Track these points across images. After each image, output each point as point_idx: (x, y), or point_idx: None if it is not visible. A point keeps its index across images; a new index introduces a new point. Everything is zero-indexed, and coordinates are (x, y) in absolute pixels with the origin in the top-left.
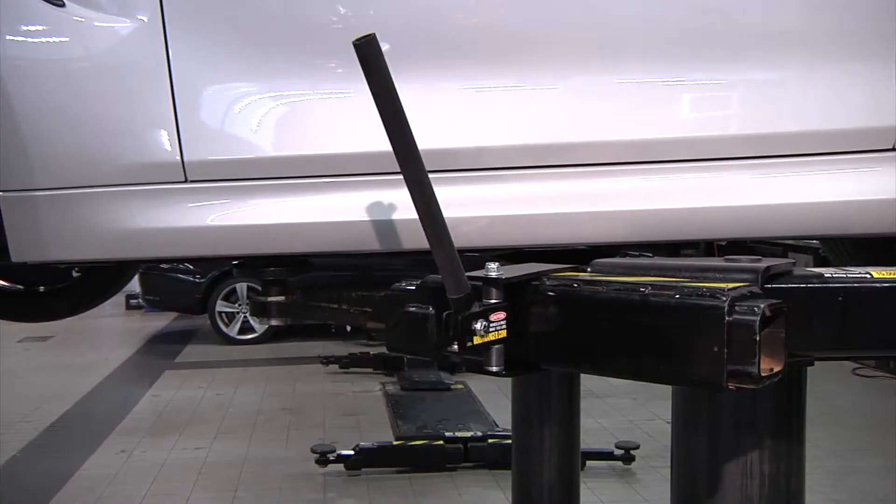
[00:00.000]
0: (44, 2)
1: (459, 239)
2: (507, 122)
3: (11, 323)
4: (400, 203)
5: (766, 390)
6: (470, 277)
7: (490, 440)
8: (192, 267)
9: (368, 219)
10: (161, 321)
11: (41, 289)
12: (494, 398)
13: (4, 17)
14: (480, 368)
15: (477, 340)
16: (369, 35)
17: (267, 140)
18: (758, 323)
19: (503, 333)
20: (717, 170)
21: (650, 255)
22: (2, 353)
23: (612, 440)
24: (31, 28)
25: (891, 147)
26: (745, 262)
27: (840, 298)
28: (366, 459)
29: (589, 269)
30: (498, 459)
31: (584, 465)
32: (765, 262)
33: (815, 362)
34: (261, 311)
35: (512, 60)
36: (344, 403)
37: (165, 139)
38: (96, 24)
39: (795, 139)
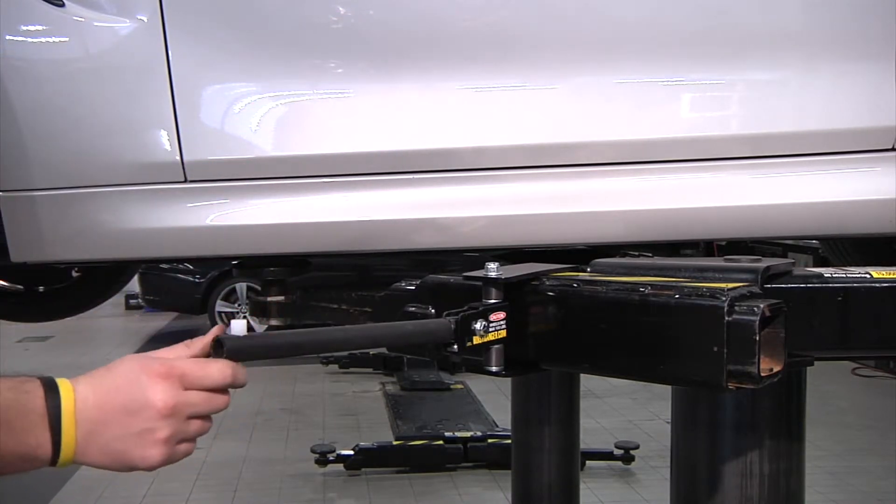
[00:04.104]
0: (44, 2)
1: (459, 239)
2: (507, 122)
3: (11, 323)
4: (400, 203)
5: (766, 390)
6: (470, 277)
7: (490, 440)
8: (191, 267)
9: (368, 219)
10: (161, 321)
11: (41, 289)
12: (494, 398)
13: (4, 17)
14: (480, 368)
15: (476, 340)
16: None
17: (266, 140)
18: (757, 323)
19: (503, 333)
20: (717, 170)
21: (650, 255)
22: (2, 353)
23: (611, 440)
24: (31, 28)
25: (891, 147)
26: (744, 262)
27: (840, 298)
28: (365, 459)
29: (589, 269)
30: (498, 459)
31: (583, 465)
32: (764, 262)
33: (815, 362)
34: (261, 311)
35: (512, 60)
36: (344, 403)
37: (165, 139)
38: (96, 24)
39: (795, 139)
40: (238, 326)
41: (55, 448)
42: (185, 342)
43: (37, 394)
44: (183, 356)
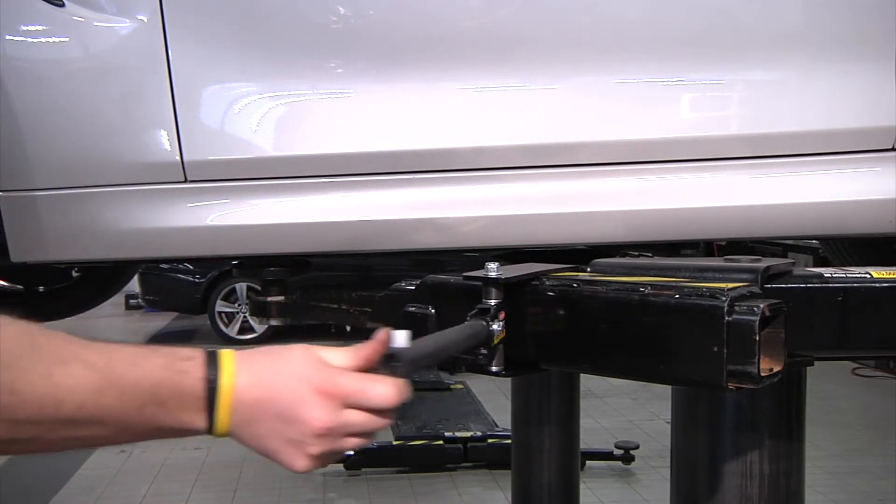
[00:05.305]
0: (44, 2)
1: (459, 239)
2: (507, 122)
3: None
4: (400, 203)
5: (766, 390)
6: (470, 277)
7: (490, 440)
8: (191, 267)
9: (368, 219)
10: (161, 321)
11: (41, 289)
12: (494, 398)
13: (4, 17)
14: (480, 368)
15: (495, 340)
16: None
17: (266, 140)
18: (757, 323)
19: (503, 334)
20: (717, 170)
21: (650, 255)
22: None
23: (611, 440)
24: (31, 28)
25: (891, 147)
26: (744, 262)
27: (840, 298)
28: (366, 459)
29: (589, 269)
30: (498, 459)
31: (583, 465)
32: (765, 262)
33: (815, 362)
34: (260, 311)
35: (512, 60)
36: None
37: (165, 139)
38: (96, 24)
39: (795, 139)
40: (402, 337)
41: (209, 427)
42: (356, 347)
43: (195, 375)
44: (350, 365)
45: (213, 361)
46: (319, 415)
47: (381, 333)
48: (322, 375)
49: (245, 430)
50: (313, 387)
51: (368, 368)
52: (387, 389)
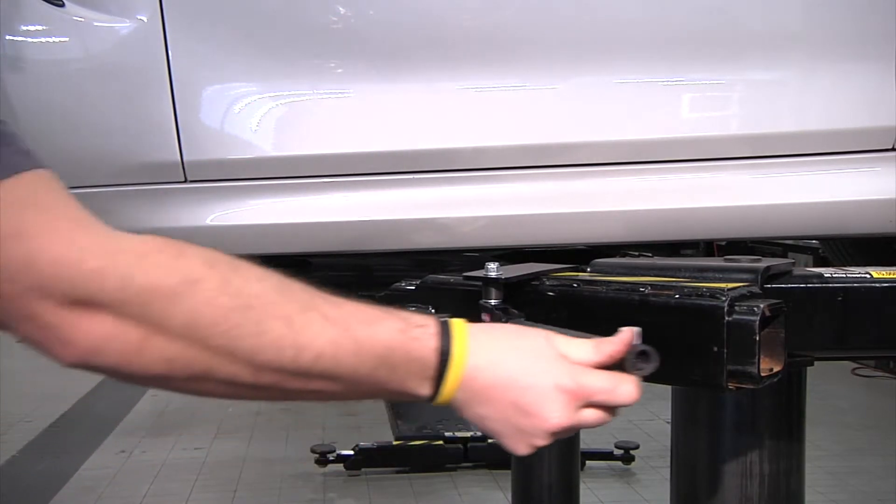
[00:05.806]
0: (44, 2)
1: (459, 239)
2: (507, 122)
3: None
4: (400, 203)
5: (766, 390)
6: (470, 277)
7: (490, 440)
8: None
9: (368, 219)
10: None
11: None
12: None
13: (4, 17)
14: None
15: None
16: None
17: (267, 140)
18: (757, 323)
19: None
20: (717, 170)
21: (650, 255)
22: (2, 353)
23: (611, 440)
24: (31, 28)
25: (891, 147)
26: (744, 262)
27: (840, 298)
28: (366, 459)
29: (589, 269)
30: (498, 459)
31: (583, 465)
32: (764, 262)
33: (815, 362)
34: None
35: (512, 61)
36: (344, 403)
37: (165, 139)
38: (96, 24)
39: (795, 139)
40: (638, 335)
41: (432, 397)
42: (595, 341)
43: (427, 344)
44: (593, 361)
45: (445, 332)
46: (559, 415)
47: (625, 332)
48: (568, 374)
49: (471, 407)
50: (557, 385)
51: (611, 365)
52: (632, 389)
